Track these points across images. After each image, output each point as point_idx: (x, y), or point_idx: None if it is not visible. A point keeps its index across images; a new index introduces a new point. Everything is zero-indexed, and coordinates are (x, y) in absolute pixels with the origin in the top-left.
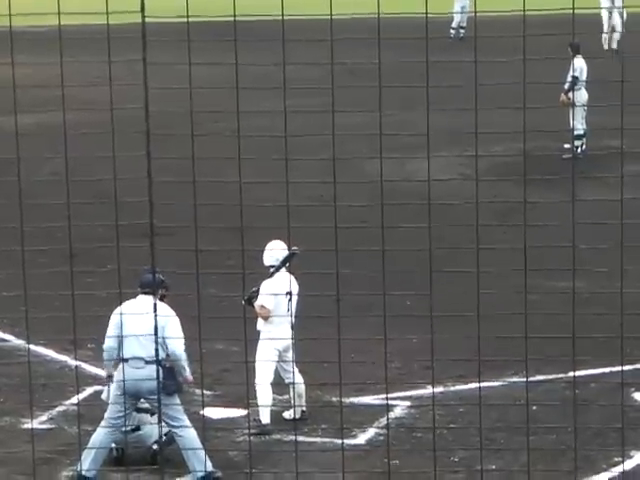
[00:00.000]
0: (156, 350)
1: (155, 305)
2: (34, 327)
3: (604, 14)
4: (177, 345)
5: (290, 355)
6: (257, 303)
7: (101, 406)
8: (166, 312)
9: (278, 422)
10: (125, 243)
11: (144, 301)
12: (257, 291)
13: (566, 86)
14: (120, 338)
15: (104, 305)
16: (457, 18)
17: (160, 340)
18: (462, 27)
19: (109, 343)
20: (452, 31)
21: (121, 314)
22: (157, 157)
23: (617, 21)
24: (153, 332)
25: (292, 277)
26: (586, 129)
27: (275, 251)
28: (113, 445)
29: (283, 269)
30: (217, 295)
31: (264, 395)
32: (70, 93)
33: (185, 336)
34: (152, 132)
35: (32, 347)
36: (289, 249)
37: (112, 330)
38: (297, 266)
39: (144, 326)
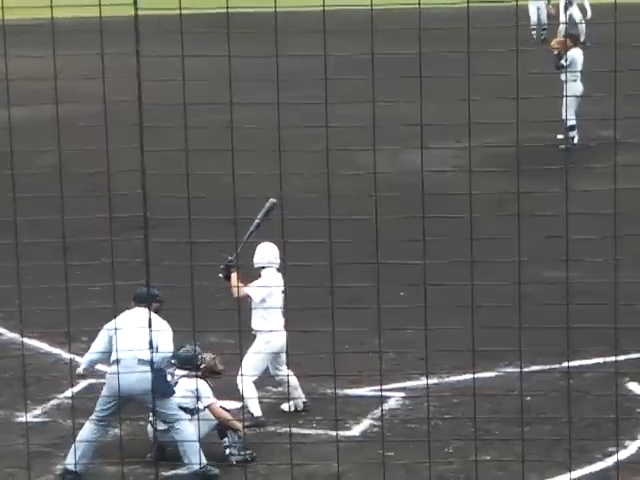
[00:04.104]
0: (151, 360)
1: (149, 316)
2: (27, 320)
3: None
4: (162, 358)
5: (283, 357)
6: (243, 289)
7: (95, 399)
8: (160, 325)
9: (273, 414)
10: (119, 236)
11: (139, 313)
12: (233, 261)
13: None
14: (107, 350)
15: (98, 298)
16: (533, 18)
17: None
18: (544, 28)
19: (92, 357)
20: (533, 32)
21: (115, 329)
22: (150, 149)
23: (576, 14)
24: (147, 339)
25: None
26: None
27: (265, 253)
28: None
29: (274, 269)
30: (211, 287)
31: (248, 389)
32: (63, 86)
33: (180, 329)
34: (145, 124)
35: (26, 340)
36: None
37: (99, 345)
38: (290, 260)
39: (138, 338)
